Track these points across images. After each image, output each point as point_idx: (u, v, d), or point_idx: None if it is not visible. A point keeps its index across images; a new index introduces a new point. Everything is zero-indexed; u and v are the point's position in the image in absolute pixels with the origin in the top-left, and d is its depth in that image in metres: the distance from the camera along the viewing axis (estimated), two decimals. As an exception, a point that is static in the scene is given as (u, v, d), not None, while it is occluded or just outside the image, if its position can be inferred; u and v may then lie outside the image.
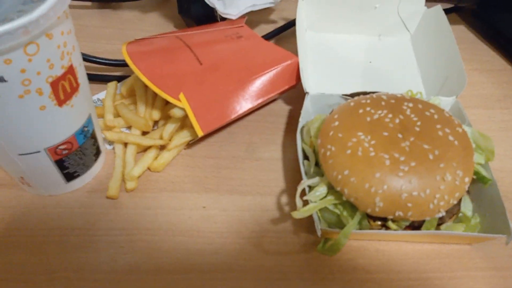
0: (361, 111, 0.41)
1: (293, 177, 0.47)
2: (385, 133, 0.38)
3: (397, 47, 0.61)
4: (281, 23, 0.67)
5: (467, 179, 0.37)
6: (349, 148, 0.38)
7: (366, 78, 0.57)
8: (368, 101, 0.42)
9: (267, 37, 0.62)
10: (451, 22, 0.69)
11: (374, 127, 0.39)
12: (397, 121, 0.40)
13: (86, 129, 0.41)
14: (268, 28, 0.65)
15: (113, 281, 0.38)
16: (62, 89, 0.36)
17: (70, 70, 0.36)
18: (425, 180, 0.36)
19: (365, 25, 0.61)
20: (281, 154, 0.50)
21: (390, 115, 0.40)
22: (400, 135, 0.38)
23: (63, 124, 0.38)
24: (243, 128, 0.52)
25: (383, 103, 0.41)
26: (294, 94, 0.54)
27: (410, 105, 0.41)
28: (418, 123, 0.39)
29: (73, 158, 0.41)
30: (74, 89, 0.37)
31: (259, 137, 0.51)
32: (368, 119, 0.40)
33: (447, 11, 0.70)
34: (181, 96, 0.43)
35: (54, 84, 0.34)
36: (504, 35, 0.64)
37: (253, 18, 0.64)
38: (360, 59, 0.59)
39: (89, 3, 0.69)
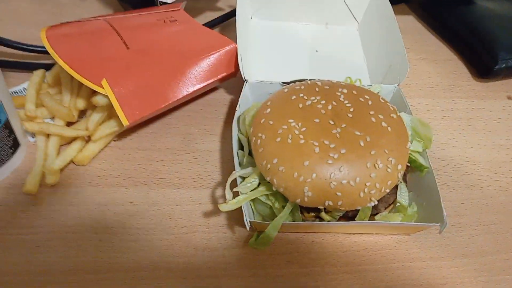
0: (294, 97, 0.39)
1: (229, 169, 0.45)
2: (317, 120, 0.37)
3: (344, 35, 0.60)
4: (226, 10, 0.64)
5: (400, 167, 0.36)
6: (279, 135, 0.36)
7: (312, 67, 0.55)
8: (302, 87, 0.40)
9: (211, 24, 0.59)
10: (401, 12, 0.69)
11: (306, 114, 0.37)
12: (329, 107, 0.38)
13: (-4, 119, 0.38)
14: (213, 15, 0.63)
15: (24, 283, 0.35)
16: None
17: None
18: (355, 167, 0.34)
19: (312, 13, 0.60)
20: (219, 145, 0.47)
21: (323, 102, 0.38)
22: (331, 122, 0.37)
23: (-36, 112, 0.35)
24: (180, 119, 0.49)
25: (317, 89, 0.40)
26: (237, 83, 0.51)
27: (345, 91, 0.40)
28: (351, 110, 0.38)
29: (-17, 150, 0.38)
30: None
31: (196, 127, 0.49)
32: (301, 105, 0.38)
33: (396, 1, 0.69)
34: (104, 82, 0.40)
35: None
36: (449, 27, 0.64)
37: (197, 4, 0.61)
38: (306, 47, 0.58)
39: (22, -12, 0.64)
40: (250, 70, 0.51)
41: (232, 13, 0.61)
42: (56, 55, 0.41)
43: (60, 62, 0.40)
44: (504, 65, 0.56)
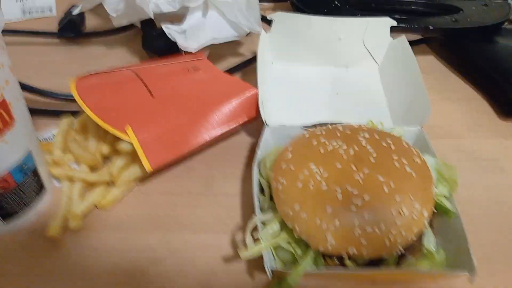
0: (315, 142, 0.39)
1: (250, 213, 0.44)
2: (339, 165, 0.36)
3: (364, 78, 0.60)
4: (248, 55, 0.66)
5: (426, 213, 0.35)
6: (300, 181, 0.36)
7: (333, 110, 0.55)
8: (323, 132, 0.40)
9: (232, 70, 0.61)
10: (421, 52, 0.70)
11: (327, 159, 0.37)
12: (351, 152, 0.37)
13: (25, 166, 0.39)
14: (235, 61, 0.65)
15: (44, 332, 0.35)
16: (-9, 124, 0.34)
17: (2, 105, 0.34)
18: (380, 215, 0.33)
19: (332, 57, 0.61)
20: (240, 189, 0.47)
21: (344, 146, 0.38)
22: (354, 167, 0.36)
23: (-5, 161, 0.36)
24: (202, 162, 0.50)
25: (338, 134, 0.40)
26: (258, 126, 0.52)
27: (366, 135, 0.39)
28: (374, 154, 0.37)
29: (10, 196, 0.39)
30: (8, 124, 0.35)
31: (218, 171, 0.49)
32: (322, 150, 0.38)
33: (416, 42, 0.70)
34: (128, 129, 0.41)
35: (-19, 119, 0.33)
36: (472, 65, 0.63)
37: (219, 51, 0.63)
38: (326, 90, 0.58)
39: (56, 40, 0.68)
40: (271, 114, 0.51)
41: (253, 59, 0.63)
42: (83, 102, 0.42)
43: (87, 110, 0.42)
44: (529, 102, 0.55)
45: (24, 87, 0.51)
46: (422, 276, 0.38)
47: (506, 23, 0.68)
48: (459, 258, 0.37)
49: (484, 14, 0.68)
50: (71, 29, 0.66)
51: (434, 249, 0.38)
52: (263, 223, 0.38)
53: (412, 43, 0.68)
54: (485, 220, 0.45)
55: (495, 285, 0.39)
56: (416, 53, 0.55)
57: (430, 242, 0.38)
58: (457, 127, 0.56)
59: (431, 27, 0.64)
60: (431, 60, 0.69)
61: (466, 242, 0.36)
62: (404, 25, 0.62)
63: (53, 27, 0.69)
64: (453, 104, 0.60)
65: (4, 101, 0.34)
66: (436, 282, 0.39)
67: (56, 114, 0.53)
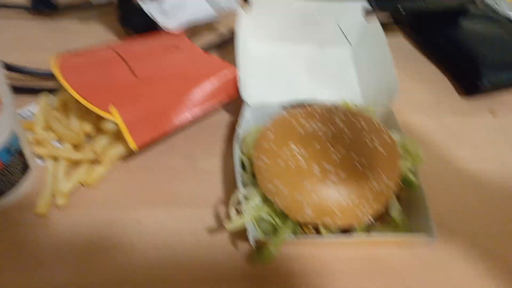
0: (295, 123, 0.42)
1: (232, 188, 0.47)
2: (317, 145, 0.39)
3: (338, 58, 0.63)
4: (226, 34, 0.67)
5: (393, 186, 0.39)
6: (281, 159, 0.39)
7: (309, 88, 0.58)
8: (303, 113, 0.43)
9: (209, 47, 0.62)
10: (392, 34, 0.73)
11: (307, 139, 0.40)
12: (329, 133, 0.40)
13: (10, 146, 0.39)
14: (213, 39, 0.65)
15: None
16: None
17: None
18: (353, 189, 0.37)
19: (308, 36, 0.63)
20: (221, 165, 0.49)
21: (322, 127, 0.41)
22: (331, 147, 0.39)
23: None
24: (183, 139, 0.51)
25: (316, 115, 0.42)
26: (237, 104, 0.54)
27: (342, 117, 0.42)
28: (349, 135, 0.40)
29: (-3, 176, 0.40)
30: (-6, 106, 0.36)
31: (199, 148, 0.51)
32: (302, 131, 0.41)
33: (388, 24, 0.73)
34: (112, 108, 0.42)
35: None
36: (436, 46, 0.67)
37: (198, 29, 0.64)
38: (303, 69, 0.60)
39: (28, 14, 0.66)
40: (250, 91, 0.53)
41: (231, 37, 0.64)
42: (67, 83, 0.43)
43: (70, 90, 0.42)
44: (487, 81, 0.60)
45: (4, 65, 0.50)
46: (388, 242, 0.42)
47: (473, 7, 0.72)
48: (421, 225, 0.41)
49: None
50: (44, 3, 0.65)
51: (399, 218, 0.42)
52: (245, 197, 0.41)
53: (383, 25, 0.71)
54: (444, 191, 0.49)
55: (452, 248, 0.44)
56: (387, 34, 0.57)
57: (395, 211, 0.42)
58: (422, 105, 0.60)
59: (402, 10, 0.67)
60: (400, 42, 0.72)
61: (426, 209, 0.40)
62: (377, 8, 0.64)
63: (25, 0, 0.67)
64: (419, 84, 0.64)
65: (-13, 83, 0.35)
66: (401, 246, 0.43)
67: (33, 91, 0.53)
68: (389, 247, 0.43)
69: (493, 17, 0.70)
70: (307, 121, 0.41)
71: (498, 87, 0.62)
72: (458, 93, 0.63)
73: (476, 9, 0.72)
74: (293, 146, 0.39)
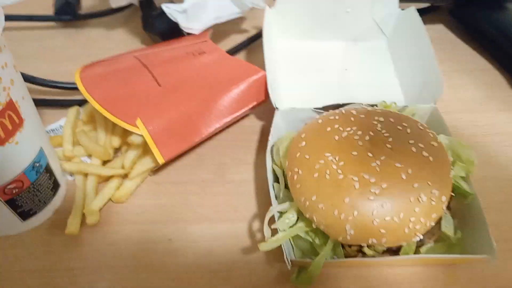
0: (329, 129, 0.38)
1: (265, 200, 0.44)
2: (354, 153, 0.36)
3: (373, 51, 0.59)
4: (252, 32, 0.64)
5: (444, 198, 0.35)
6: (316, 171, 0.36)
7: (342, 87, 0.54)
8: (337, 117, 0.39)
9: (237, 48, 0.59)
10: (429, 22, 0.67)
11: (343, 147, 0.36)
12: (367, 138, 0.37)
13: (37, 164, 0.39)
14: (239, 38, 0.63)
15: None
16: (2, 127, 0.33)
17: (10, 106, 0.33)
18: (398, 203, 0.33)
19: (339, 30, 0.59)
20: (253, 175, 0.47)
21: (359, 132, 0.37)
22: (370, 154, 0.36)
23: (8, 163, 0.35)
24: (212, 149, 0.49)
25: (352, 118, 0.39)
26: (267, 108, 0.51)
27: (381, 119, 0.38)
28: (390, 139, 0.37)
29: (26, 196, 0.39)
30: (17, 125, 0.35)
31: (229, 157, 0.48)
32: (336, 137, 0.37)
33: (424, 11, 0.68)
34: (138, 121, 0.40)
35: (-9, 123, 0.32)
36: (483, 33, 0.61)
37: (222, 28, 0.61)
38: (335, 67, 0.57)
39: (52, 23, 0.66)
40: (280, 95, 0.51)
41: (258, 35, 0.61)
42: (90, 96, 0.41)
43: (94, 104, 0.41)
44: (544, 73, 0.54)
45: (27, 79, 0.49)
46: (442, 260, 0.38)
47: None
48: (478, 239, 0.37)
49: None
50: (67, 12, 0.64)
51: (452, 233, 0.38)
52: (280, 213, 0.38)
53: (420, 11, 0.66)
54: (501, 199, 0.44)
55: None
56: (425, 22, 0.53)
57: (448, 226, 0.38)
58: (469, 101, 0.55)
59: (441, -5, 0.61)
60: (440, 30, 0.66)
61: (485, 223, 0.36)
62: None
63: (47, 9, 0.66)
64: (464, 76, 0.59)
65: (11, 101, 0.33)
66: (455, 264, 0.39)
67: (61, 104, 0.52)
68: (443, 266, 0.39)
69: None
70: (342, 126, 0.38)
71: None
72: (510, 85, 0.57)
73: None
74: (328, 155, 0.36)
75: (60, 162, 0.44)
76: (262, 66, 0.48)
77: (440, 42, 0.64)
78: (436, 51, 0.50)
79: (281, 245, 0.36)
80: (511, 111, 0.54)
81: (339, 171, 0.35)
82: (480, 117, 0.53)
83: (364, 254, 0.36)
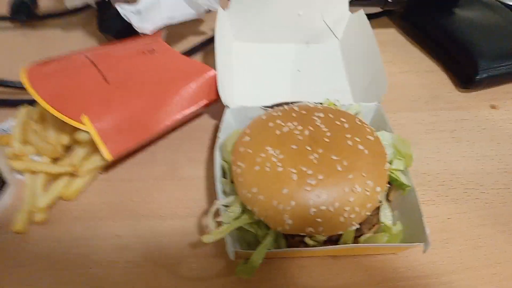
0: (271, 124, 0.40)
1: (215, 196, 0.45)
2: (294, 146, 0.37)
3: (325, 53, 0.60)
4: (210, 34, 0.65)
5: (379, 189, 0.36)
6: (257, 164, 0.37)
7: (295, 87, 0.56)
8: (280, 113, 0.41)
9: (193, 50, 0.60)
10: (383, 25, 0.70)
11: (283, 141, 0.38)
12: (306, 132, 0.38)
13: (-18, 162, 0.38)
14: (196, 39, 0.64)
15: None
16: None
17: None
18: (333, 193, 0.35)
19: (292, 33, 0.61)
20: (205, 172, 0.48)
21: (300, 127, 0.39)
22: (309, 148, 0.37)
23: None
24: (165, 147, 0.50)
25: (294, 114, 0.40)
26: (220, 107, 0.52)
27: (321, 115, 0.40)
28: (328, 134, 0.38)
29: (-31, 193, 0.38)
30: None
31: (182, 155, 0.49)
32: (278, 132, 0.39)
33: (378, 15, 0.71)
34: (85, 118, 0.41)
35: None
36: (431, 37, 0.64)
37: (179, 30, 0.62)
38: (288, 68, 0.58)
39: (8, 23, 0.65)
40: (232, 94, 0.52)
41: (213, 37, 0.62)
42: (36, 93, 0.41)
43: (40, 101, 0.41)
44: (485, 74, 0.57)
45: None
46: (380, 249, 0.40)
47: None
48: (414, 229, 0.39)
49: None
50: (24, 12, 0.63)
51: (391, 223, 0.39)
52: (226, 206, 0.39)
53: (373, 15, 0.69)
54: (441, 192, 0.47)
55: (449, 253, 0.42)
56: (377, 26, 0.55)
57: (386, 216, 0.39)
58: (416, 100, 0.58)
59: (389, 0, 0.64)
60: (392, 33, 0.69)
61: (420, 214, 0.38)
62: (363, -1, 0.62)
63: (1, 9, 0.65)
64: (413, 77, 0.61)
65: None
66: (394, 253, 0.41)
67: (11, 103, 0.51)
68: (382, 255, 0.41)
69: (488, 3, 0.67)
70: (284, 121, 0.39)
71: (497, 78, 0.58)
72: (454, 86, 0.60)
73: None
74: (269, 149, 0.37)
75: (9, 161, 0.44)
76: (215, 66, 0.49)
77: (392, 45, 0.66)
78: (387, 53, 0.52)
79: (224, 237, 0.36)
80: (453, 110, 0.56)
81: (279, 163, 0.36)
82: (425, 115, 0.55)
83: (306, 245, 0.38)
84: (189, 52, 0.60)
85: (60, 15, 0.65)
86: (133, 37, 0.53)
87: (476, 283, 0.39)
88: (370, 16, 0.57)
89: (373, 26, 0.55)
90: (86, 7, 0.64)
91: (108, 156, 0.41)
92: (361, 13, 0.57)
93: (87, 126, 0.40)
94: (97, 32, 0.61)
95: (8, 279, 0.38)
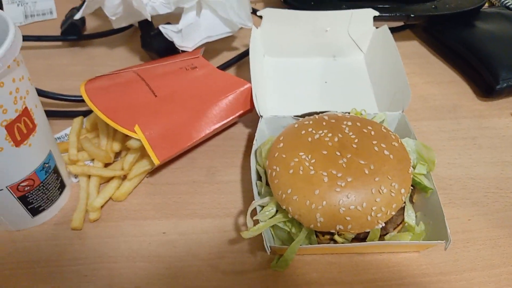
0: (303, 132, 0.44)
1: (250, 198, 0.49)
2: (324, 152, 0.41)
3: (351, 66, 0.64)
4: (242, 49, 0.70)
5: (403, 190, 0.40)
6: (291, 167, 0.41)
7: (322, 98, 0.60)
8: (311, 122, 0.45)
9: (227, 64, 0.65)
10: (405, 38, 0.74)
11: (315, 147, 0.42)
12: (336, 139, 0.42)
13: (47, 165, 0.44)
14: (230, 55, 0.69)
15: (75, 310, 0.40)
16: (18, 130, 0.38)
17: (25, 112, 0.39)
18: (361, 194, 0.38)
19: (320, 48, 0.65)
20: (240, 176, 0.52)
21: (329, 134, 0.43)
22: (338, 153, 0.41)
23: (22, 162, 0.40)
24: (203, 153, 0.54)
25: (324, 123, 0.44)
26: (254, 117, 0.57)
27: (349, 123, 0.44)
28: (356, 140, 0.42)
29: (36, 193, 0.44)
30: (31, 129, 0.40)
31: (219, 161, 0.54)
32: (309, 139, 0.43)
33: (400, 28, 0.74)
34: (136, 127, 0.46)
35: (9, 127, 0.37)
36: (452, 49, 0.67)
37: (214, 46, 0.67)
38: (316, 80, 0.62)
39: (59, 43, 0.72)
40: (265, 105, 0.56)
41: (247, 52, 0.67)
42: (94, 106, 0.47)
43: (98, 112, 0.46)
44: (505, 84, 0.59)
45: (38, 92, 0.55)
46: (404, 247, 0.43)
47: (485, 6, 0.72)
48: (436, 229, 0.42)
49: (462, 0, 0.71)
50: (73, 32, 0.70)
51: (414, 223, 0.43)
52: (261, 207, 0.43)
53: (396, 29, 0.73)
54: (462, 195, 0.49)
55: (469, 252, 0.44)
56: (400, 39, 0.58)
57: (410, 216, 0.43)
58: (438, 109, 0.61)
59: (412, 15, 0.67)
60: (414, 45, 0.72)
61: (442, 215, 0.41)
62: (386, 14, 0.65)
63: (55, 30, 0.72)
64: (435, 87, 0.64)
65: (26, 109, 0.39)
66: (418, 251, 0.44)
67: (67, 115, 0.57)
68: (406, 253, 0.44)
69: (507, 15, 0.70)
70: (315, 129, 0.43)
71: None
72: (475, 95, 0.63)
73: (490, 8, 0.71)
74: (301, 154, 0.41)
75: (66, 165, 0.49)
76: (249, 79, 0.54)
77: (414, 57, 0.70)
78: (410, 64, 0.55)
79: (261, 234, 0.40)
80: (475, 118, 0.59)
81: (311, 167, 0.40)
82: (447, 123, 0.58)
83: (335, 242, 0.41)
84: (224, 66, 0.65)
85: (105, 34, 0.71)
86: (175, 55, 0.59)
87: (495, 279, 0.42)
88: (393, 30, 0.61)
89: (396, 39, 0.58)
90: (129, 26, 0.70)
91: (156, 160, 0.46)
92: (385, 28, 0.61)
93: (139, 134, 0.45)
94: (139, 49, 0.67)
95: (67, 270, 0.43)
